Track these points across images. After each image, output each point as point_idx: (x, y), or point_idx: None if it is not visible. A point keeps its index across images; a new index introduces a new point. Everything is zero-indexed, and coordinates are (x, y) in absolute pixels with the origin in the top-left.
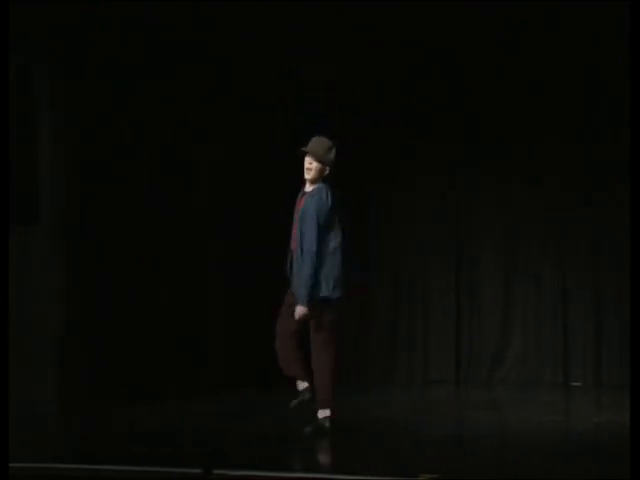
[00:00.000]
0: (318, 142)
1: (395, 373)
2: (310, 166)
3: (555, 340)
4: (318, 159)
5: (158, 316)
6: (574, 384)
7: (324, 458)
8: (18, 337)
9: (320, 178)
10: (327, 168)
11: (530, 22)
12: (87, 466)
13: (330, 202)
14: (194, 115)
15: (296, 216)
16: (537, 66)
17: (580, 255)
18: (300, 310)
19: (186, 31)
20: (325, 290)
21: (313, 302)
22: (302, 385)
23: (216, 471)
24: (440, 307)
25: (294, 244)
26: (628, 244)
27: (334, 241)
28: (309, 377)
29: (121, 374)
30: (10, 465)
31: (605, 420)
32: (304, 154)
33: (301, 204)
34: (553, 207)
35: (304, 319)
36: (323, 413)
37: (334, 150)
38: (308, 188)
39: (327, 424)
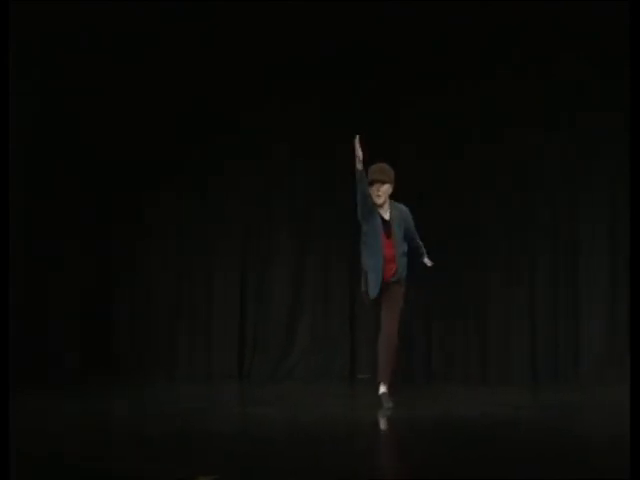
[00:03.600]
0: (382, 169)
1: (176, 367)
2: (380, 192)
3: (343, 332)
4: (390, 183)
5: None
6: (361, 376)
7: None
8: None
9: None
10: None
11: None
12: None
13: None
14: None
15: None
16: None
17: None
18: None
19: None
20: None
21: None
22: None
23: None
24: (224, 295)
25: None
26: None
27: None
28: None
29: None
30: None
31: (396, 414)
32: (377, 183)
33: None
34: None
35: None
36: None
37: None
38: (385, 207)
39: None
